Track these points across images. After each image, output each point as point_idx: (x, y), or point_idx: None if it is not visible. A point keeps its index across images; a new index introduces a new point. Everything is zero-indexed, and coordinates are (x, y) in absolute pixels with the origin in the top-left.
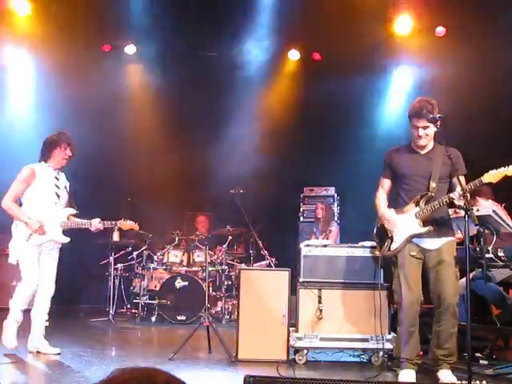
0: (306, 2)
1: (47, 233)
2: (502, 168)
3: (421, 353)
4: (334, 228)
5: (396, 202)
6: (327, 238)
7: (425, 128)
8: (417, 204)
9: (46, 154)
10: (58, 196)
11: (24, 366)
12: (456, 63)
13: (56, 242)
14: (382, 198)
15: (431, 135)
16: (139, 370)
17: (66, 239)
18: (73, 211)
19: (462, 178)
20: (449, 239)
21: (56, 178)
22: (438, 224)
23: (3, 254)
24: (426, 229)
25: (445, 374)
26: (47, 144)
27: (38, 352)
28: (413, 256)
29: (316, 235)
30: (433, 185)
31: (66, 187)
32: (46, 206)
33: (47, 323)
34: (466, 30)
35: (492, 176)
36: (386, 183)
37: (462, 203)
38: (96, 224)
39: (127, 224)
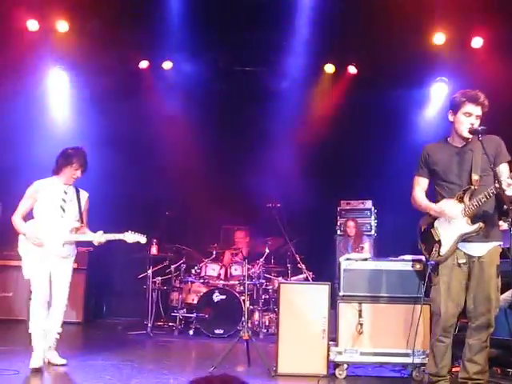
0: (342, 16)
1: (44, 245)
2: None
3: (453, 369)
4: (367, 244)
5: (435, 202)
6: None
7: (477, 118)
8: (460, 200)
9: (57, 168)
10: (64, 210)
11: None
12: (493, 74)
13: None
14: (421, 194)
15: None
16: (215, 377)
17: (64, 251)
18: (77, 224)
19: (507, 166)
20: (494, 244)
21: (65, 192)
22: (485, 223)
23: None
24: (476, 226)
25: None
26: (61, 159)
27: (48, 363)
28: (457, 264)
29: (348, 252)
30: (475, 177)
31: (78, 201)
32: (50, 220)
33: (58, 336)
34: (504, 41)
35: None
36: (422, 181)
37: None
38: (98, 237)
39: (133, 236)
